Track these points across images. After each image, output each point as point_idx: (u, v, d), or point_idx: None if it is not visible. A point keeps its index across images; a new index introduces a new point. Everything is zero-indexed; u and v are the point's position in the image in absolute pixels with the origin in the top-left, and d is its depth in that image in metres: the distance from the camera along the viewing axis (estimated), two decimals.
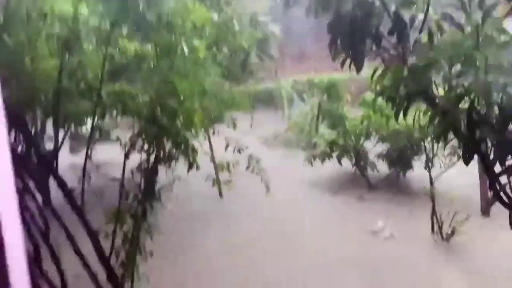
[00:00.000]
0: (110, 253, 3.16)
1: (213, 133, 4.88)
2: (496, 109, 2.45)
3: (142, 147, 3.67)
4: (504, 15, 2.44)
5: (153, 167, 3.79)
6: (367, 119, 7.51)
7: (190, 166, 3.94)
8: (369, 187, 8.40)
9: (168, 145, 3.79)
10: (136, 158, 3.81)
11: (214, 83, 4.82)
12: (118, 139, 3.97)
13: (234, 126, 4.69)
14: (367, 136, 8.10)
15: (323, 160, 8.52)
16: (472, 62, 2.42)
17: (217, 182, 4.66)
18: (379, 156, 8.31)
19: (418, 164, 8.10)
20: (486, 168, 3.01)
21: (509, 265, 5.15)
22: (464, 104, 2.67)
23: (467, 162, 2.76)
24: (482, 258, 5.51)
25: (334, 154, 8.47)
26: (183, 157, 3.95)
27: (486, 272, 5.08)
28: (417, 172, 8.45)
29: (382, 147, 8.26)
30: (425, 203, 6.42)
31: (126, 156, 3.79)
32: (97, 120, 5.28)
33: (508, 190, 3.24)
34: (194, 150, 3.80)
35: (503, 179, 3.25)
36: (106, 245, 3.14)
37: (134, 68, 3.85)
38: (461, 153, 2.85)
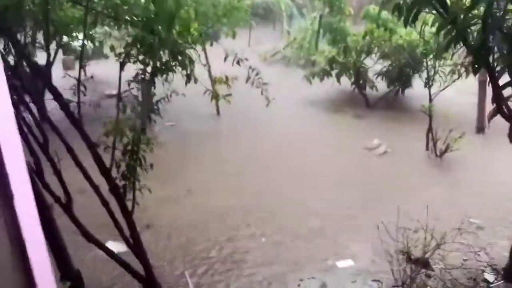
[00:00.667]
0: (111, 165, 3.16)
1: (211, 44, 4.66)
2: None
3: (137, 58, 3.50)
4: None
5: (150, 79, 3.66)
6: (369, 33, 7.22)
7: (188, 79, 3.81)
8: (367, 105, 8.35)
9: (164, 56, 3.62)
10: (131, 72, 3.67)
11: None
12: (112, 48, 3.79)
13: (234, 35, 4.47)
14: (369, 53, 7.86)
15: (322, 78, 8.38)
16: None
17: (215, 96, 4.56)
18: (379, 74, 8.15)
19: (417, 82, 8.00)
20: (491, 79, 2.93)
21: (495, 180, 5.31)
22: (475, 11, 2.52)
23: (476, 72, 2.67)
24: (472, 172, 5.67)
25: (334, 72, 8.30)
26: (180, 69, 3.80)
27: (473, 185, 5.25)
28: (416, 90, 8.36)
29: (383, 65, 8.06)
30: (422, 121, 6.42)
31: (121, 67, 3.64)
32: (89, 30, 5.00)
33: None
34: (192, 61, 3.64)
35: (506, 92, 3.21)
36: (106, 157, 3.13)
37: None
38: (468, 65, 2.76)
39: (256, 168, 5.72)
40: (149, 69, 3.64)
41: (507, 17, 2.38)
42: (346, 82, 8.55)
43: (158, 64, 3.65)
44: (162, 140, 3.95)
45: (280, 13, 11.31)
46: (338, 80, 8.36)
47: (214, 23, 4.82)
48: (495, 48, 2.76)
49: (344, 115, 8.03)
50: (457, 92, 7.98)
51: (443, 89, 6.50)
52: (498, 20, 2.42)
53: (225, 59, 4.19)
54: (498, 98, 3.07)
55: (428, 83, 6.35)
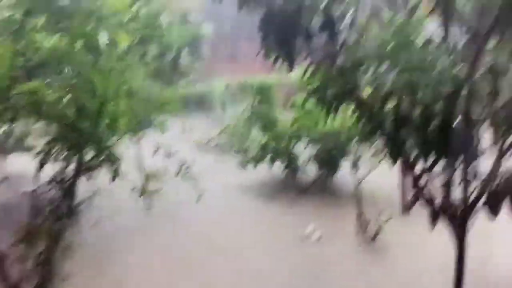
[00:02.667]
0: (21, 279, 2.77)
1: (140, 138, 4.58)
2: (419, 109, 2.52)
3: (58, 155, 3.31)
4: (427, 14, 2.53)
5: (72, 178, 3.43)
6: (297, 121, 7.60)
7: (114, 176, 3.65)
8: (300, 190, 8.51)
9: (89, 153, 3.46)
10: (52, 168, 3.43)
11: (142, 83, 4.54)
12: (31, 147, 3.55)
13: (164, 129, 4.45)
14: (298, 139, 8.21)
15: (255, 165, 8.53)
16: (397, 61, 2.46)
17: (144, 192, 4.36)
18: (310, 158, 8.46)
19: (346, 165, 8.41)
20: (409, 167, 3.11)
21: (425, 262, 5.45)
22: (390, 104, 2.74)
23: (394, 162, 2.82)
24: (402, 256, 5.78)
25: (266, 158, 8.49)
26: (106, 165, 3.64)
27: (404, 270, 5.32)
28: (345, 173, 8.77)
29: (313, 150, 8.42)
30: (353, 204, 6.62)
31: (41, 165, 3.39)
32: (7, 126, 4.71)
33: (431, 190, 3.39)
34: (118, 158, 3.51)
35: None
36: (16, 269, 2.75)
37: (51, 65, 3.44)
38: (386, 153, 2.92)
39: (186, 268, 5.37)
40: (71, 166, 3.44)
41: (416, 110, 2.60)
42: (279, 167, 8.75)
43: (82, 162, 3.47)
44: (83, 242, 3.61)
45: (214, 101, 11.68)
46: (271, 166, 8.53)
47: (145, 117, 4.79)
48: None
49: (278, 202, 8.06)
50: (383, 173, 8.46)
51: (369, 172, 6.83)
52: (407, 115, 2.64)
53: (154, 153, 4.11)
54: (416, 185, 3.22)
55: (354, 167, 6.67)
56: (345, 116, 4.06)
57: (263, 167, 8.62)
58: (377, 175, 7.75)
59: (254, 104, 8.61)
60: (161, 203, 5.01)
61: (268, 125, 8.15)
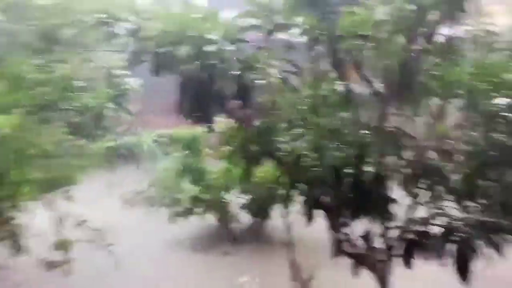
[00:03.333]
0: None
1: (46, 207, 4.20)
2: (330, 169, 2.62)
3: None
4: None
5: None
6: (227, 172, 7.59)
7: (17, 250, 3.30)
8: (233, 240, 8.37)
9: None
10: None
11: (57, 142, 4.28)
12: None
13: (70, 198, 4.16)
14: (229, 189, 8.16)
15: (186, 217, 8.29)
16: (308, 124, 2.57)
17: (52, 265, 3.97)
18: (242, 207, 8.41)
19: (278, 212, 8.47)
20: (327, 222, 3.20)
21: None
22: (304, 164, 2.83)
23: (308, 218, 2.88)
24: None
25: (198, 210, 8.30)
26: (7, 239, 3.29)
27: None
28: (277, 221, 8.81)
29: (244, 199, 8.39)
30: (286, 251, 6.61)
31: None
32: None
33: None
34: (18, 231, 3.20)
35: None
36: None
37: None
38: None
39: None
40: None
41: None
42: (211, 219, 8.58)
43: None
44: None
45: (144, 153, 11.34)
46: (203, 218, 8.35)
47: (58, 179, 4.48)
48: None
49: (211, 253, 7.85)
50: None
51: (299, 219, 6.90)
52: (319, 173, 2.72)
53: (62, 224, 3.81)
54: (336, 239, 3.31)
55: (284, 214, 6.70)
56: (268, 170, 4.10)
57: (195, 219, 8.41)
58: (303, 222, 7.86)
59: (184, 156, 8.48)
60: (74, 276, 4.57)
61: (198, 177, 8.03)
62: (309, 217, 2.92)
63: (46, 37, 3.39)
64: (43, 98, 3.77)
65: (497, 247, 2.75)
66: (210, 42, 2.50)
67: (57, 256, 4.17)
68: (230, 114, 3.00)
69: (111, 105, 6.89)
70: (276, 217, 8.75)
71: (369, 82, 2.90)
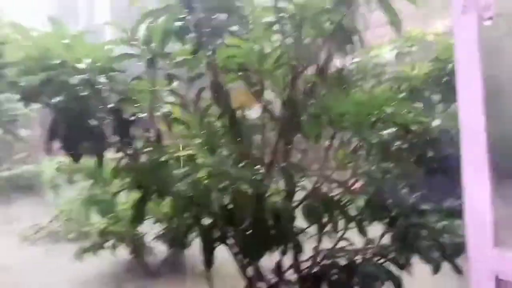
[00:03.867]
0: None
1: None
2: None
3: None
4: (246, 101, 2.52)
5: None
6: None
7: None
8: (150, 274, 7.82)
9: None
10: None
11: None
12: None
13: None
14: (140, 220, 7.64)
15: (95, 252, 7.57)
16: (194, 163, 2.35)
17: None
18: (157, 237, 7.91)
19: (197, 242, 8.10)
20: (237, 261, 3.02)
21: None
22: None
23: (206, 263, 2.66)
24: None
25: (108, 244, 7.64)
26: None
27: None
28: (196, 249, 8.42)
29: (159, 229, 7.92)
30: (205, 281, 6.28)
31: None
32: None
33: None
34: None
35: None
36: None
37: None
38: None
39: None
40: None
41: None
42: (124, 252, 7.96)
43: None
44: None
45: (45, 183, 10.33)
46: (114, 252, 7.69)
47: None
48: None
49: None
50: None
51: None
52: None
53: None
54: (245, 275, 3.13)
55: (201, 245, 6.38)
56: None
57: (106, 254, 7.73)
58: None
59: (90, 186, 7.81)
60: None
61: (106, 208, 7.40)
62: (208, 262, 2.68)
63: None
64: None
65: (396, 281, 2.72)
66: (77, 71, 2.17)
67: None
68: (116, 149, 2.67)
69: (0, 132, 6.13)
70: (195, 246, 8.37)
71: (268, 112, 2.76)
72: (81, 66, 2.16)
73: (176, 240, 7.65)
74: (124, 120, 2.38)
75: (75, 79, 2.10)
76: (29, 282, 7.05)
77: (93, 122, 2.43)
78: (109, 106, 2.34)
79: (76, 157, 2.65)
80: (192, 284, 7.68)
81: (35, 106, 6.85)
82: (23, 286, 6.32)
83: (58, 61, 2.15)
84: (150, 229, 7.91)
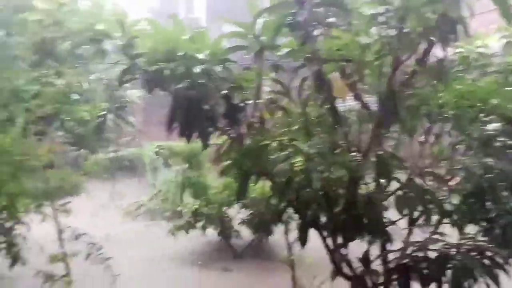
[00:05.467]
0: None
1: (43, 219, 4.21)
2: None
3: None
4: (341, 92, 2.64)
5: None
6: (227, 187, 7.53)
7: (13, 261, 3.30)
8: (234, 256, 8.28)
9: None
10: None
11: (56, 153, 4.29)
12: None
13: (67, 212, 4.14)
14: (230, 204, 8.09)
15: (187, 231, 8.21)
16: (296, 146, 2.52)
17: (50, 278, 3.95)
18: (243, 222, 8.33)
19: (280, 228, 8.39)
20: (324, 243, 3.13)
21: None
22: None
23: (302, 241, 2.81)
24: None
25: (199, 224, 8.23)
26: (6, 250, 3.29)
27: None
28: (280, 236, 8.72)
29: (245, 214, 8.31)
30: (288, 268, 6.50)
31: None
32: None
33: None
34: (15, 243, 3.20)
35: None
36: None
37: None
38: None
39: None
40: None
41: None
42: (212, 233, 8.50)
43: None
44: None
45: (145, 165, 11.35)
46: (204, 232, 8.28)
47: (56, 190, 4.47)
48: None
49: (211, 268, 7.76)
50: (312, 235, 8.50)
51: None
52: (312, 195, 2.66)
53: (59, 235, 3.80)
54: (333, 261, 3.23)
55: (285, 232, 6.60)
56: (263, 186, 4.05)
57: (196, 233, 8.34)
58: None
59: (185, 170, 8.46)
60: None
61: (199, 191, 7.98)
62: (303, 239, 2.84)
63: (41, 51, 3.42)
64: (39, 111, 3.78)
65: (494, 277, 2.65)
66: (198, 61, 2.47)
67: (55, 268, 4.15)
68: (222, 132, 2.95)
69: (111, 116, 6.90)
70: (279, 233, 8.68)
71: (362, 103, 2.84)
72: (201, 57, 2.45)
73: (261, 226, 7.99)
74: (234, 106, 2.64)
75: (197, 69, 2.40)
76: (131, 252, 7.87)
77: (206, 108, 2.72)
78: (222, 93, 2.62)
79: (189, 139, 2.96)
80: (273, 269, 7.95)
81: (140, 93, 7.51)
82: (126, 255, 7.05)
83: (182, 53, 2.47)
84: (238, 214, 8.41)
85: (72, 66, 3.70)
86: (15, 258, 3.34)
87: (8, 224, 3.42)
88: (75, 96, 3.93)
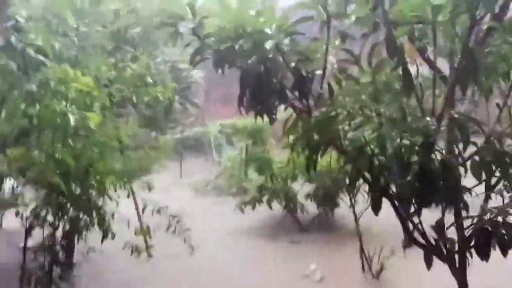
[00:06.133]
0: None
1: (128, 195, 4.58)
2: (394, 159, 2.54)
3: (44, 220, 3.32)
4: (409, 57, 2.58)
5: (63, 243, 3.43)
6: (292, 161, 7.63)
7: (104, 235, 3.66)
8: (300, 229, 8.45)
9: (75, 214, 3.47)
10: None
11: (133, 135, 4.62)
12: (17, 212, 3.58)
13: (150, 188, 4.46)
14: (294, 178, 8.20)
15: (253, 206, 8.48)
16: (367, 114, 2.52)
17: (136, 249, 4.33)
18: (308, 196, 8.43)
19: (345, 201, 8.38)
20: (396, 212, 3.11)
21: None
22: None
23: (374, 208, 2.82)
24: None
25: (264, 199, 8.46)
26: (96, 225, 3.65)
27: None
28: (344, 209, 8.72)
29: (310, 187, 8.40)
30: (354, 240, 6.52)
31: (28, 231, 3.40)
32: None
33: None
34: (106, 218, 3.53)
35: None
36: None
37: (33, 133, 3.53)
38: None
39: None
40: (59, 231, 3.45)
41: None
42: (278, 207, 8.71)
43: (71, 224, 3.47)
44: None
45: (210, 144, 11.78)
46: (270, 206, 8.50)
47: (136, 170, 4.82)
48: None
49: (278, 241, 7.98)
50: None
51: (367, 208, 6.76)
52: (384, 162, 2.66)
53: (143, 211, 4.12)
54: (407, 229, 3.21)
55: (351, 204, 6.61)
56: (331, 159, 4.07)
57: (262, 208, 8.58)
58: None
59: (249, 146, 8.68)
60: (154, 259, 4.93)
61: (263, 166, 8.17)
62: (377, 207, 2.85)
63: (117, 38, 3.66)
64: (118, 95, 4.07)
65: None
66: (267, 36, 2.54)
67: (139, 240, 4.51)
68: (290, 105, 3.01)
69: (177, 98, 7.23)
70: (344, 206, 8.69)
71: (433, 66, 2.76)
72: (269, 31, 2.52)
73: (326, 199, 8.00)
74: (302, 78, 2.69)
75: (268, 44, 2.47)
76: (202, 226, 8.27)
77: (274, 82, 2.80)
78: (290, 65, 2.67)
79: (258, 114, 3.05)
80: (340, 241, 8.01)
81: (202, 73, 7.72)
82: (198, 228, 7.38)
83: (250, 29, 2.55)
84: (302, 188, 8.52)
85: (145, 50, 3.93)
86: (105, 233, 3.69)
87: (98, 201, 3.77)
88: (149, 80, 4.18)
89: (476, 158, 2.85)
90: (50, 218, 3.57)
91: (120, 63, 3.99)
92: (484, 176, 2.92)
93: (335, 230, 8.54)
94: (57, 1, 3.51)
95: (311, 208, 8.64)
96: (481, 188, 3.10)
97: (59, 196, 3.26)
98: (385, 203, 3.65)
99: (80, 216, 3.50)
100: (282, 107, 3.09)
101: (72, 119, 2.82)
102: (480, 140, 2.97)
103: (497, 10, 2.39)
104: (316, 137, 3.00)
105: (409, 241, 3.77)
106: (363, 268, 6.25)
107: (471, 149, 2.85)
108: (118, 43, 3.85)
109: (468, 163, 2.90)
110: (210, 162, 12.06)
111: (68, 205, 3.35)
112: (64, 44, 3.91)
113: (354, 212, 6.49)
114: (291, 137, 3.44)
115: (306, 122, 2.99)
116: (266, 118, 3.14)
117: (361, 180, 3.16)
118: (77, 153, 3.22)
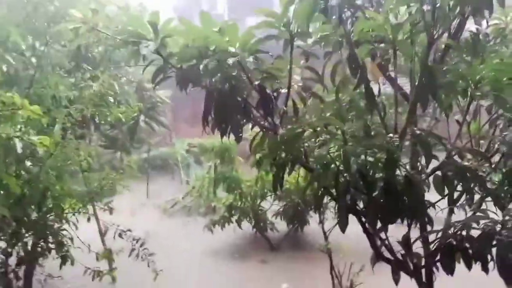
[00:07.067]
0: None
1: (89, 219, 4.38)
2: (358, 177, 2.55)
3: None
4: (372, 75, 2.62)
5: (16, 270, 3.22)
6: (260, 180, 7.60)
7: (63, 261, 3.46)
8: (271, 248, 8.36)
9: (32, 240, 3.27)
10: None
11: (95, 156, 4.45)
12: None
13: (111, 211, 4.29)
14: (263, 196, 8.17)
15: (223, 225, 8.34)
16: (331, 132, 2.53)
17: (98, 274, 4.13)
18: (277, 214, 8.39)
19: (314, 219, 8.40)
20: (363, 228, 3.12)
21: None
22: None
23: (341, 225, 2.81)
24: None
25: (234, 218, 8.35)
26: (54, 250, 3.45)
27: None
28: (315, 226, 8.73)
29: (279, 205, 8.38)
30: (325, 257, 6.51)
31: None
32: None
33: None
34: (64, 243, 3.35)
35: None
36: None
37: None
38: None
39: None
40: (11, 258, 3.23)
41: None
42: (247, 226, 8.61)
43: (26, 251, 3.27)
44: None
45: (177, 163, 11.59)
46: (239, 226, 8.39)
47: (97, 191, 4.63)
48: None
49: (249, 261, 7.87)
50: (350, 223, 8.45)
51: (335, 225, 6.78)
52: (350, 180, 2.66)
53: (104, 234, 3.95)
54: (374, 245, 3.22)
55: (320, 221, 6.62)
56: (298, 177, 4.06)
57: (231, 227, 8.46)
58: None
59: (217, 165, 8.59)
60: (121, 282, 4.73)
61: (232, 185, 8.09)
62: (343, 224, 2.85)
63: (77, 57, 3.55)
64: (78, 115, 3.94)
65: None
66: (230, 55, 2.52)
67: (101, 265, 4.32)
68: (255, 123, 2.99)
69: (143, 117, 7.11)
70: (314, 223, 8.69)
71: (394, 84, 2.82)
72: (233, 50, 2.50)
73: (296, 216, 7.99)
74: (266, 96, 2.68)
75: (230, 60, 2.44)
76: (171, 247, 8.06)
77: (239, 100, 2.77)
78: (254, 84, 2.66)
79: (224, 133, 3.00)
80: (311, 259, 7.99)
81: (169, 93, 7.65)
82: (167, 249, 7.20)
83: (213, 47, 2.52)
84: (272, 206, 8.46)
85: (106, 70, 3.83)
86: (64, 258, 3.50)
87: (56, 225, 3.59)
88: (110, 99, 4.07)
89: (439, 173, 2.90)
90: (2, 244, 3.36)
91: (81, 82, 3.87)
92: (446, 191, 2.99)
93: (306, 247, 8.51)
94: (9, 20, 3.37)
95: (281, 226, 8.59)
96: (445, 203, 3.18)
97: (11, 222, 3.07)
98: (355, 219, 3.67)
99: (36, 242, 3.30)
100: (249, 125, 3.08)
101: (19, 145, 2.64)
102: (442, 156, 3.04)
103: (453, 30, 2.49)
104: (282, 154, 2.98)
105: (377, 257, 3.79)
106: (333, 285, 6.22)
107: (434, 164, 2.92)
108: (78, 62, 3.73)
109: (431, 178, 2.97)
110: (178, 181, 11.84)
111: (23, 230, 3.14)
112: (21, 62, 3.77)
113: (323, 229, 6.50)
114: (258, 155, 3.42)
115: (272, 140, 2.98)
116: (232, 136, 3.11)
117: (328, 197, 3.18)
118: (31, 178, 3.06)
